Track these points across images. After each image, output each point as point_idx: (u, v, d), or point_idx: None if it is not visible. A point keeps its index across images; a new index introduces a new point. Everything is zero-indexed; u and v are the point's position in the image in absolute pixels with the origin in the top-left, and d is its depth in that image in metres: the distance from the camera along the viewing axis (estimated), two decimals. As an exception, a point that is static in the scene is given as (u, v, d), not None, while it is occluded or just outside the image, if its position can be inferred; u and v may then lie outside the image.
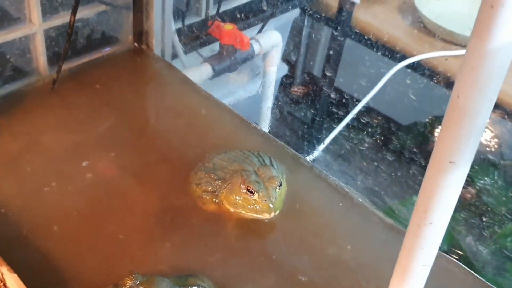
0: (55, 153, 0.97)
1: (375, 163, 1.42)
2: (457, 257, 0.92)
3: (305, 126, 1.76)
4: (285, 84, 1.79)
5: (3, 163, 0.94)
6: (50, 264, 0.79)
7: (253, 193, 0.85)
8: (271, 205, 0.85)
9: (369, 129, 1.55)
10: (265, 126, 1.53)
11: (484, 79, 0.44)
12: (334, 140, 1.44)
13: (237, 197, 0.86)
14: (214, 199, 0.88)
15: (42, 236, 0.83)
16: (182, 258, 0.82)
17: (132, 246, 0.83)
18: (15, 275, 0.72)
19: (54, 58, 1.11)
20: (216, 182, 0.89)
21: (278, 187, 0.87)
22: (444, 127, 0.47)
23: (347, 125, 1.45)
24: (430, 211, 0.53)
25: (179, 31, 1.30)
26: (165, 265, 0.80)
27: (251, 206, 0.86)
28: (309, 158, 1.43)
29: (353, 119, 1.44)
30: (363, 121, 1.52)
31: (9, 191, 0.89)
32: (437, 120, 1.50)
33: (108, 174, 0.94)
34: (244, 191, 0.85)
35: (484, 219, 1.26)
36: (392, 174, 1.43)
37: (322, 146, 1.41)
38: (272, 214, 0.85)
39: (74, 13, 1.02)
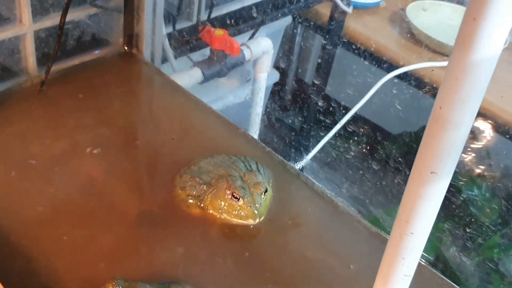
0: (39, 155, 0.96)
1: (361, 172, 1.42)
2: (442, 268, 0.92)
3: (294, 134, 1.76)
4: (275, 91, 1.80)
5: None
6: (31, 269, 0.78)
7: (238, 199, 0.85)
8: (256, 211, 0.85)
9: (358, 138, 1.56)
10: (254, 133, 1.53)
11: (467, 91, 0.44)
12: (323, 148, 1.44)
13: (222, 202, 0.86)
14: (198, 204, 0.88)
15: (22, 241, 0.82)
16: (164, 263, 0.81)
17: (114, 250, 0.83)
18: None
19: (44, 59, 1.11)
20: (201, 186, 0.89)
21: (263, 193, 0.87)
22: (426, 137, 0.47)
23: (336, 134, 1.45)
24: (412, 221, 0.53)
25: (169, 35, 1.30)
26: (147, 270, 0.80)
27: (236, 212, 0.86)
28: (298, 165, 1.43)
29: (342, 127, 1.44)
30: (352, 130, 1.52)
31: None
32: (423, 130, 1.51)
33: (93, 178, 0.93)
34: (229, 196, 0.85)
35: (469, 230, 1.26)
36: (378, 184, 1.43)
37: (310, 155, 1.41)
38: (257, 220, 0.85)
39: (64, 14, 1.02)
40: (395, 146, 1.51)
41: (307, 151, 1.46)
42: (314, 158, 1.43)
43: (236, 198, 0.85)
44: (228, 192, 0.85)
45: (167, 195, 0.91)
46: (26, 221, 0.85)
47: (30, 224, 0.85)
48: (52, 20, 1.08)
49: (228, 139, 1.08)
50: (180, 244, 0.85)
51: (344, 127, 1.44)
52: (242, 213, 0.85)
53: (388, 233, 0.91)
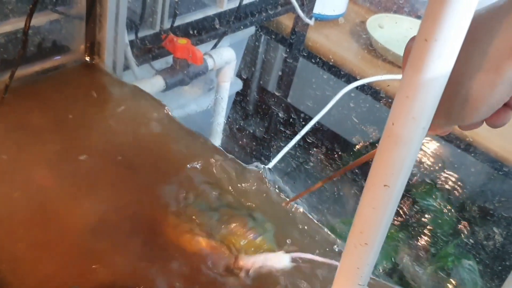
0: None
1: (320, 181, 1.44)
2: (396, 277, 0.94)
3: (255, 143, 1.77)
4: (238, 100, 1.81)
5: None
6: None
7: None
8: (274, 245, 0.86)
9: (317, 148, 1.58)
10: (216, 141, 1.54)
11: (418, 108, 0.46)
12: (284, 158, 1.46)
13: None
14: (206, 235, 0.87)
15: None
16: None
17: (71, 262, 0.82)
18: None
19: (2, 65, 1.09)
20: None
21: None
22: (379, 152, 0.49)
23: (297, 144, 1.47)
24: (365, 232, 0.55)
25: (132, 43, 1.29)
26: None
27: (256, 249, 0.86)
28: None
29: (302, 138, 1.46)
30: (312, 141, 1.55)
31: None
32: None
33: (48, 189, 0.92)
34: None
35: (424, 240, 1.30)
36: (335, 194, 1.46)
37: (271, 164, 1.42)
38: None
39: (29, 18, 1.01)
40: (353, 156, 1.54)
41: (268, 160, 1.47)
42: (275, 167, 1.45)
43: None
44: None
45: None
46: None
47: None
48: (12, 25, 1.07)
49: (192, 149, 1.08)
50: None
51: (304, 137, 1.47)
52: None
53: (345, 241, 0.93)
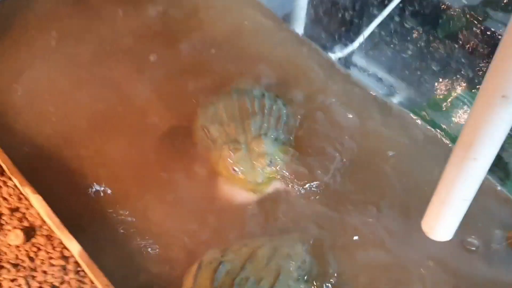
0: (74, 60, 0.94)
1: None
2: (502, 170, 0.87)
3: (344, 20, 1.64)
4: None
5: (16, 70, 0.92)
6: (72, 185, 0.78)
7: (238, 173, 0.79)
8: (255, 187, 0.79)
9: (414, 19, 1.41)
10: (299, 26, 1.43)
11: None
12: (373, 33, 1.33)
13: (224, 168, 0.81)
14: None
15: (63, 157, 0.82)
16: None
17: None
18: (39, 196, 0.71)
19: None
20: (208, 141, 0.84)
21: (267, 166, 0.80)
22: (497, 57, 0.40)
23: (389, 19, 1.33)
24: (476, 146, 0.47)
25: None
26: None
27: (237, 182, 0.80)
28: (344, 53, 1.32)
29: (391, 15, 1.32)
30: (411, 11, 1.38)
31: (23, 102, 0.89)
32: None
33: (129, 88, 0.91)
34: (230, 168, 0.80)
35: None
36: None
37: (361, 38, 1.30)
38: (256, 194, 0.80)
39: None
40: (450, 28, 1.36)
41: (356, 34, 1.35)
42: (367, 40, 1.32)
43: (235, 171, 0.79)
44: (229, 163, 0.80)
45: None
46: (67, 140, 0.85)
47: (70, 143, 0.84)
48: None
49: (274, 39, 1.02)
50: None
51: (394, 13, 1.32)
52: (242, 184, 0.80)
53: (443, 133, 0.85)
